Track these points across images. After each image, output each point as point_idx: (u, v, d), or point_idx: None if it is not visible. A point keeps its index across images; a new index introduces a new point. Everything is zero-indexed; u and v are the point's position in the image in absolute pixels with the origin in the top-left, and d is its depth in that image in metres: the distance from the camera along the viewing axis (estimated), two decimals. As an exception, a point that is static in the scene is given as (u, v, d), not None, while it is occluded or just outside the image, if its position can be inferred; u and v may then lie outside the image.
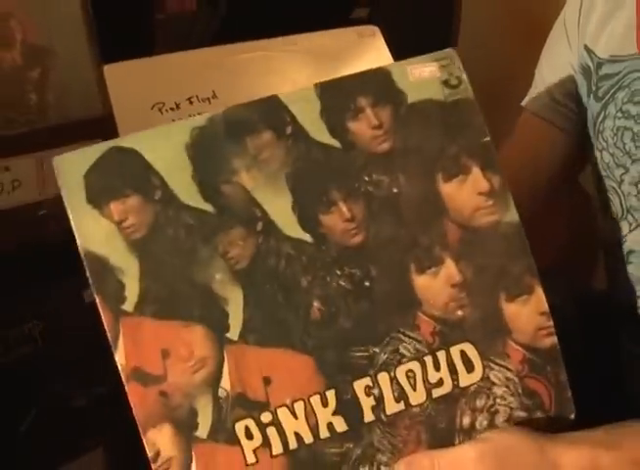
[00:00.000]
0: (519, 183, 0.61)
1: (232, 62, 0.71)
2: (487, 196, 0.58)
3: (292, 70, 0.71)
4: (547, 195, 0.87)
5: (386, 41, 0.74)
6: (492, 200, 0.58)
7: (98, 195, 0.55)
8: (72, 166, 0.55)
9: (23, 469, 0.76)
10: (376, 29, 0.75)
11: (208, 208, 0.56)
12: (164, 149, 0.56)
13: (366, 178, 0.57)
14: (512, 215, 0.58)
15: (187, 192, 0.56)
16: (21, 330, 0.80)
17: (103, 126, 0.67)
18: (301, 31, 0.72)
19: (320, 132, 0.57)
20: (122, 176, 0.55)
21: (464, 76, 0.59)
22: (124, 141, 0.56)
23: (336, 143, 0.57)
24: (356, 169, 0.57)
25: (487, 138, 0.58)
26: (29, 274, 0.69)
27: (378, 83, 0.58)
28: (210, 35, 0.98)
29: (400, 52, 0.67)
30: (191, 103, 0.69)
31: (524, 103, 0.87)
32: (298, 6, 0.72)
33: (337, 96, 0.58)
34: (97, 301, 0.54)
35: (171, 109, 0.68)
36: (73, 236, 0.54)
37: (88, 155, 0.55)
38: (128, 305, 0.54)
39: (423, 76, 0.58)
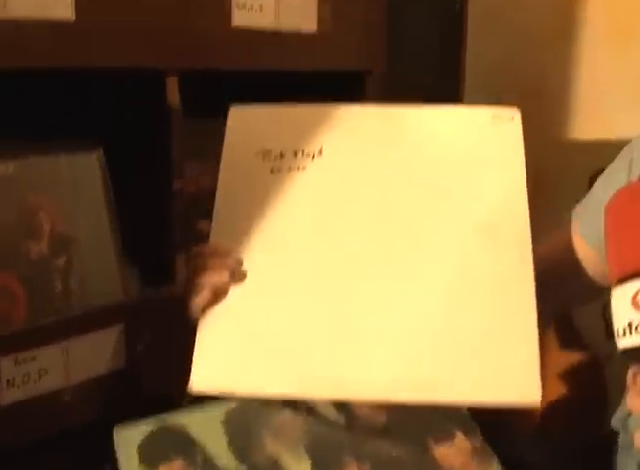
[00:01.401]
0: None
1: (347, 122, 0.71)
2: (472, 455, 0.69)
3: (409, 144, 0.70)
4: None
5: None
6: (477, 458, 0.69)
7: (149, 459, 0.65)
8: (129, 438, 0.66)
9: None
10: (516, 113, 0.70)
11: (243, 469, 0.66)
12: (204, 424, 0.68)
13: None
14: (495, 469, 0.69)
15: (224, 457, 0.66)
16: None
17: (123, 312, 0.72)
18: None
19: (327, 409, 0.71)
20: (169, 445, 0.66)
21: None
22: (171, 419, 0.68)
23: (341, 419, 0.70)
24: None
25: (466, 412, 0.72)
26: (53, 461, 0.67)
27: None
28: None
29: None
30: (295, 155, 0.70)
31: (574, 220, 0.80)
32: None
33: None
34: None
35: (275, 157, 0.70)
36: (96, 420, 0.59)
37: (142, 429, 0.67)
38: None
39: None
